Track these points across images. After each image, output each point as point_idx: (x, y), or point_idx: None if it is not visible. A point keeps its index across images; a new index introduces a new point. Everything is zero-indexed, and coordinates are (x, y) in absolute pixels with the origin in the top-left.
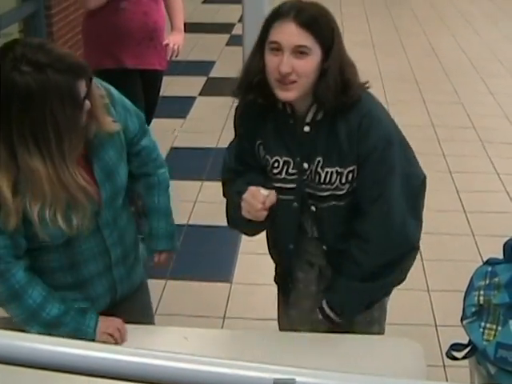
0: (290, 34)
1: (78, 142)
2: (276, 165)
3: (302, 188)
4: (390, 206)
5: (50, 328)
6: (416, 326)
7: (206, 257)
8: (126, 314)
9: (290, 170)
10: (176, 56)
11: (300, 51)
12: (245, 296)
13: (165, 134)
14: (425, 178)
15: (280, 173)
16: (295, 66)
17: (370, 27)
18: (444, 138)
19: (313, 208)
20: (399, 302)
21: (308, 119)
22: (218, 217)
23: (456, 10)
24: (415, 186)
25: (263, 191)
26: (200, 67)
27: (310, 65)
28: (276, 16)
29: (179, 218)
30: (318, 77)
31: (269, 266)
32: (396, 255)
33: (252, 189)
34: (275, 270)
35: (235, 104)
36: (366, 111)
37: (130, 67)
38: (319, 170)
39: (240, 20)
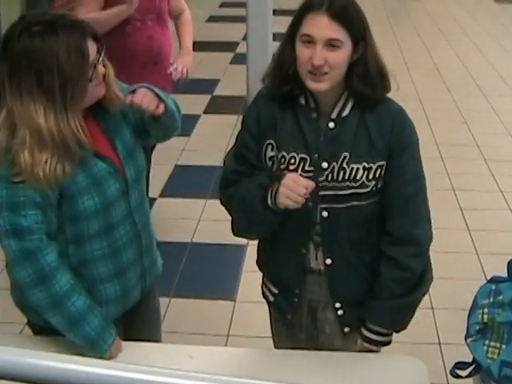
0: (322, 26)
1: (81, 95)
2: (293, 161)
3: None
4: (425, 203)
5: (71, 323)
6: (420, 345)
7: (210, 275)
8: (138, 321)
9: (307, 167)
10: (185, 79)
11: (332, 44)
12: (249, 314)
13: (169, 151)
14: None
15: (296, 170)
16: (328, 59)
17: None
18: (447, 156)
19: (324, 213)
20: None
21: (333, 115)
22: (222, 235)
23: (459, 27)
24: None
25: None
26: (204, 85)
27: (341, 57)
28: (309, 7)
29: (183, 236)
30: (347, 68)
31: None
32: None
33: (292, 175)
34: (266, 286)
35: (239, 123)
36: (398, 106)
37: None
38: (344, 165)
39: (244, 38)
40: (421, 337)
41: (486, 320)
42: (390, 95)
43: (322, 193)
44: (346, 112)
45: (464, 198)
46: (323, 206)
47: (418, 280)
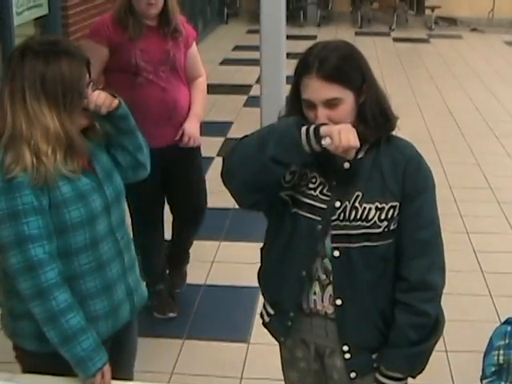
0: (317, 90)
1: (78, 101)
2: (314, 180)
3: (329, 215)
4: (441, 249)
5: (64, 339)
6: None
7: (224, 317)
8: (117, 352)
9: (325, 191)
10: (193, 145)
11: (331, 103)
12: (262, 356)
13: None
14: None
15: (315, 189)
16: (330, 117)
17: (386, 88)
18: (461, 199)
19: (336, 253)
20: None
21: (349, 156)
22: (235, 277)
23: (470, 70)
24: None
25: None
26: (218, 128)
27: (344, 112)
28: (302, 70)
29: (197, 278)
30: (357, 113)
31: None
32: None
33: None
34: (264, 306)
35: None
36: (412, 153)
37: (151, 146)
38: (357, 204)
39: (257, 81)
40: (435, 380)
41: (501, 361)
42: (404, 136)
43: (333, 232)
44: (361, 154)
45: (477, 240)
46: (335, 245)
47: (434, 325)
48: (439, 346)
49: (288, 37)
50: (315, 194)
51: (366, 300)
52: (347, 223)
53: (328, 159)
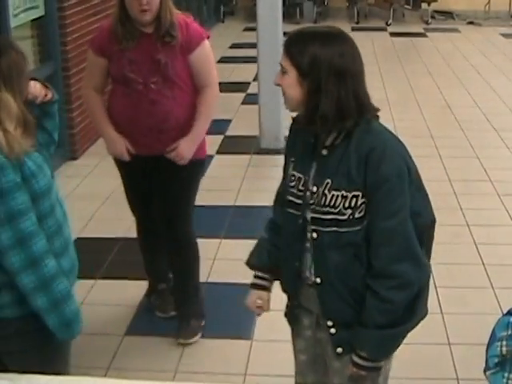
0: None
1: (26, 86)
2: (292, 178)
3: (306, 207)
4: (408, 238)
5: (55, 304)
6: (438, 380)
7: (226, 314)
8: None
9: (300, 187)
10: (178, 162)
11: (281, 70)
12: (265, 353)
13: None
14: (434, 220)
15: (293, 187)
16: (281, 82)
17: (384, 85)
18: (461, 192)
19: (314, 234)
20: (420, 356)
21: (328, 143)
22: (237, 274)
23: (468, 64)
24: (423, 226)
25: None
26: (216, 126)
27: (286, 82)
28: None
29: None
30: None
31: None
32: (418, 289)
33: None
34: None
35: (252, 162)
36: (378, 142)
37: (140, 154)
38: (326, 191)
39: (255, 79)
40: (439, 373)
41: (504, 352)
42: (402, 132)
43: (311, 215)
44: (338, 140)
45: (478, 233)
46: (313, 227)
47: (404, 313)
48: (442, 338)
49: (285, 34)
50: (294, 191)
51: (338, 281)
52: (319, 208)
53: (308, 145)
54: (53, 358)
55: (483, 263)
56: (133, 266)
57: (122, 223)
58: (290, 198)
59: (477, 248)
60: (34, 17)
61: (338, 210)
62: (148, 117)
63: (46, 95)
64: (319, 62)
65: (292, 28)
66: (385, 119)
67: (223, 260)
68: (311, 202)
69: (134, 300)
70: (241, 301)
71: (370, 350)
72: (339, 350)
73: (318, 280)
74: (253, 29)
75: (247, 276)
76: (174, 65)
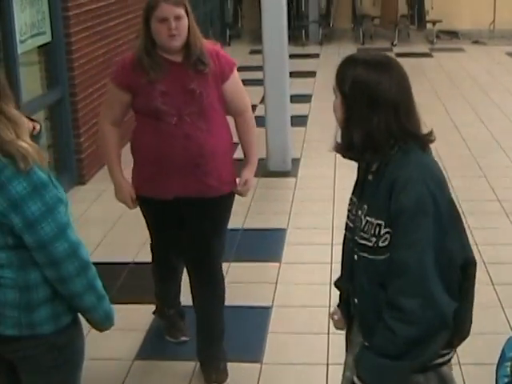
0: None
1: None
2: (350, 202)
3: (355, 230)
4: (422, 274)
5: (99, 298)
6: None
7: (236, 337)
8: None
9: (353, 211)
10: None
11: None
12: (275, 376)
13: None
14: (471, 260)
15: (350, 210)
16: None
17: None
18: (469, 212)
19: (355, 257)
20: None
21: (373, 168)
22: (246, 297)
23: (475, 83)
24: (454, 264)
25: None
26: None
27: (334, 104)
28: None
29: None
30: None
31: (298, 346)
32: (427, 329)
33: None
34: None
35: (259, 185)
36: (403, 173)
37: (174, 195)
38: (362, 216)
39: (262, 101)
40: None
41: None
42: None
43: (355, 237)
44: (381, 167)
45: (487, 252)
46: (355, 249)
47: (408, 349)
48: (453, 358)
49: (291, 56)
50: (350, 214)
51: (368, 307)
52: (359, 232)
53: (362, 170)
54: (70, 378)
55: (492, 283)
56: (142, 290)
57: (130, 248)
58: (347, 221)
59: (486, 267)
60: (41, 43)
61: (368, 236)
62: (183, 152)
63: (34, 128)
64: (356, 88)
65: (298, 50)
66: None
67: (232, 283)
68: (356, 225)
69: (143, 324)
70: (250, 324)
71: (364, 372)
72: None
73: (356, 301)
74: (259, 51)
75: (257, 299)
76: (209, 94)
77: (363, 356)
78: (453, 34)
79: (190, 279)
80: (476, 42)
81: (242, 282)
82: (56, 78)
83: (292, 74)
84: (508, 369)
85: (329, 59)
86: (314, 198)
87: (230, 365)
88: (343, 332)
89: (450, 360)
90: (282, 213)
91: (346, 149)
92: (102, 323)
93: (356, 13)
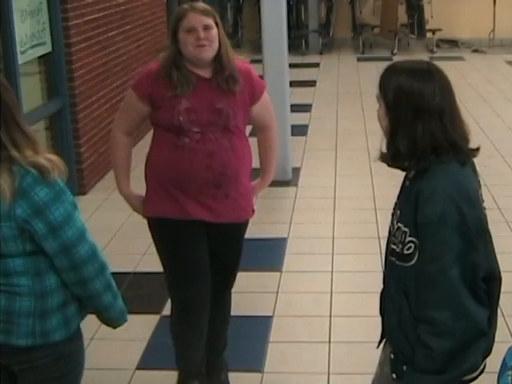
0: None
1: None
2: (394, 206)
3: (390, 236)
4: (449, 287)
5: (115, 296)
6: None
7: (237, 346)
8: None
9: (393, 216)
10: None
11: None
12: None
13: None
14: (495, 275)
15: (392, 215)
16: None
17: None
18: None
19: (388, 261)
20: None
21: (411, 175)
22: (248, 307)
23: (474, 92)
24: (478, 277)
25: None
26: None
27: (378, 112)
28: None
29: None
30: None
31: (299, 355)
32: (462, 340)
33: None
34: None
35: (260, 194)
36: (430, 184)
37: (194, 217)
38: (395, 222)
39: None
40: None
41: None
42: None
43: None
44: (417, 174)
45: None
46: (388, 253)
47: (448, 362)
48: None
49: (291, 65)
50: (391, 218)
51: (393, 312)
52: (391, 236)
53: (405, 177)
54: None
55: None
56: (143, 300)
57: (131, 257)
58: (390, 225)
59: None
60: (42, 53)
61: (397, 241)
62: (205, 171)
63: None
64: (400, 97)
65: (298, 60)
66: None
67: (233, 293)
68: (391, 229)
69: (144, 334)
70: (251, 333)
71: None
72: (394, 375)
73: (386, 305)
74: (259, 61)
75: (258, 308)
76: (236, 115)
77: (407, 373)
78: (453, 43)
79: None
80: (476, 51)
81: (243, 292)
82: (56, 89)
83: (292, 84)
84: (509, 378)
85: (329, 68)
86: (314, 207)
87: (231, 374)
88: (344, 341)
89: (484, 369)
90: (282, 222)
91: (392, 158)
92: (118, 320)
93: (356, 22)
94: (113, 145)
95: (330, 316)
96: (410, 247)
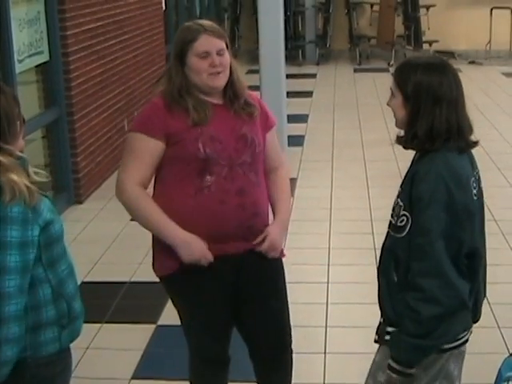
0: None
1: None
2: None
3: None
4: (437, 259)
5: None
6: None
7: (235, 357)
8: None
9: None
10: (273, 255)
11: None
12: None
13: None
14: (481, 255)
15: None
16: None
17: (387, 125)
18: None
19: (387, 234)
20: None
21: (416, 157)
22: None
23: (471, 103)
24: (462, 253)
25: None
26: None
27: (394, 104)
28: None
29: None
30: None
31: (295, 365)
32: (448, 308)
33: None
34: None
35: None
36: (426, 166)
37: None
38: (396, 197)
39: None
40: None
41: None
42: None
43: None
44: (418, 155)
45: None
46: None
47: (434, 328)
48: None
49: (288, 76)
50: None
51: (382, 278)
52: (392, 210)
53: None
54: None
55: (489, 302)
56: (139, 310)
57: (127, 267)
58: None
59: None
60: (39, 62)
61: (394, 214)
62: (236, 212)
63: None
64: (420, 89)
65: (295, 70)
66: (387, 159)
67: None
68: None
69: (140, 344)
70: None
71: (397, 353)
72: (375, 337)
73: (379, 273)
74: (256, 71)
75: None
76: (260, 141)
77: (393, 336)
78: (449, 54)
79: (255, 367)
80: (472, 63)
81: None
82: (53, 98)
83: (289, 94)
84: None
85: (326, 79)
86: (310, 218)
87: None
88: (340, 352)
89: (467, 341)
90: None
91: (408, 141)
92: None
93: (353, 33)
94: (135, 200)
95: (326, 327)
96: (403, 220)
